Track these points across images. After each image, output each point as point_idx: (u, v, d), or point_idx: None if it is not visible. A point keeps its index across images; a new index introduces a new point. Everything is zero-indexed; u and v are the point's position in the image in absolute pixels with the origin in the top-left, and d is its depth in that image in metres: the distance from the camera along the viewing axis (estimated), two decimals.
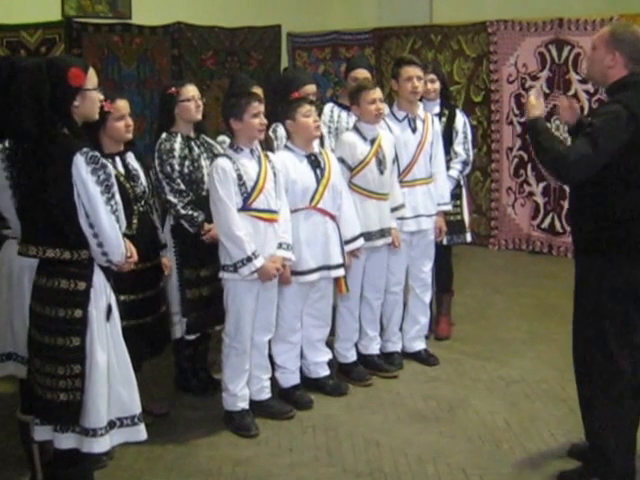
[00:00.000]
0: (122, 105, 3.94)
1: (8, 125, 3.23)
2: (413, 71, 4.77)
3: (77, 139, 3.00)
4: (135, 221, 3.93)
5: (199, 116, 4.38)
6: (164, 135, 4.34)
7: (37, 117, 2.99)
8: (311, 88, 4.85)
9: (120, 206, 3.06)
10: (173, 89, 4.37)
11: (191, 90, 4.36)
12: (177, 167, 4.26)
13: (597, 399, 3.42)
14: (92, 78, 3.09)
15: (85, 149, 2.95)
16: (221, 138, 4.64)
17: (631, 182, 3.29)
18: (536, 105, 3.51)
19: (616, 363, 3.35)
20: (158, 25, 7.91)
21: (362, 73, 5.10)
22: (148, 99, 7.80)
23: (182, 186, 4.27)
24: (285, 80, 5.00)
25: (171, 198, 4.26)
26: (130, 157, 4.02)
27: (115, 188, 3.02)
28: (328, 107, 5.30)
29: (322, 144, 4.61)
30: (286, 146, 4.41)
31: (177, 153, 4.28)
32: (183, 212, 4.26)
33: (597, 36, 3.46)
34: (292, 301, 4.39)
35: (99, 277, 3.07)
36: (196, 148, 4.37)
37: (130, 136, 3.99)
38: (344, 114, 5.15)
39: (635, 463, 3.46)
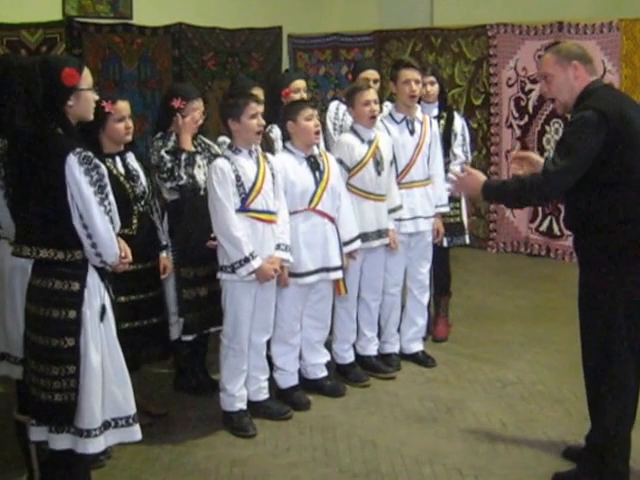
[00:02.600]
0: (123, 106, 3.94)
1: (2, 124, 3.23)
2: (411, 74, 4.78)
3: (71, 139, 2.98)
4: (135, 221, 3.94)
5: (194, 131, 4.34)
6: (159, 134, 4.36)
7: (31, 116, 2.98)
8: (300, 83, 4.88)
9: (114, 206, 3.04)
10: (177, 102, 4.27)
11: (197, 106, 4.31)
12: (167, 156, 4.22)
13: (612, 396, 3.39)
14: (87, 78, 3.06)
15: (78, 149, 2.94)
16: (222, 139, 4.63)
17: (619, 181, 3.28)
18: (475, 174, 3.61)
19: (633, 358, 3.36)
20: (159, 26, 7.90)
21: (373, 74, 5.13)
22: (149, 100, 7.79)
23: (169, 164, 4.21)
24: (275, 81, 5.07)
25: (161, 181, 4.26)
26: (130, 157, 4.03)
27: (109, 188, 3.01)
28: (334, 104, 5.32)
29: (326, 146, 4.60)
30: (286, 147, 4.41)
31: (170, 144, 4.27)
32: (170, 184, 4.24)
33: (546, 69, 3.43)
34: (292, 303, 4.39)
35: (93, 278, 3.06)
36: (193, 148, 4.37)
37: (129, 138, 3.99)
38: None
39: (629, 464, 3.48)
